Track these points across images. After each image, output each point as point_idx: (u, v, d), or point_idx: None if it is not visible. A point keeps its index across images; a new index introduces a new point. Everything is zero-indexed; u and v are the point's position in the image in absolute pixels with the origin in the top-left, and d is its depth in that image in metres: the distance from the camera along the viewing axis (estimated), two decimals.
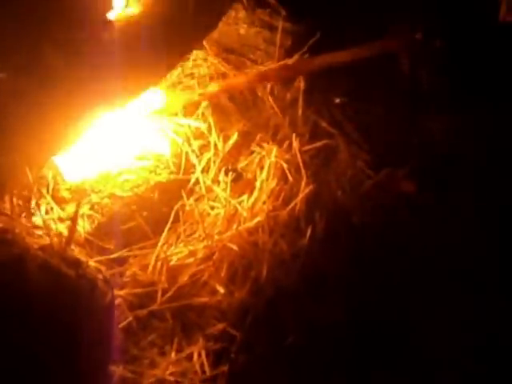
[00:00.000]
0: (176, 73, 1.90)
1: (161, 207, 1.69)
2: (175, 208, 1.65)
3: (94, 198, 1.63)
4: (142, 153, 1.74)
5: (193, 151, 1.76)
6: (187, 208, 1.67)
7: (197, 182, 1.73)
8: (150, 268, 1.56)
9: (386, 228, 1.84)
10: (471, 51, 2.12)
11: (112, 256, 1.54)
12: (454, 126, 2.23)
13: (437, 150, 2.15)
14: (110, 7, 1.37)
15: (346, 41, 2.03)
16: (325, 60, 1.90)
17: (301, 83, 1.98)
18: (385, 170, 1.94)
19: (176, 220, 1.65)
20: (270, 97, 1.93)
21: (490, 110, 2.07)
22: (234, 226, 1.64)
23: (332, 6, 1.96)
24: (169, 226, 1.61)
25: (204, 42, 1.94)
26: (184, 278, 1.57)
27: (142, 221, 1.63)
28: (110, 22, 1.37)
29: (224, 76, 1.93)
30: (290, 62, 1.86)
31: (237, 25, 1.94)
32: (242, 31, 1.95)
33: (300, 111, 1.94)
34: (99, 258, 1.50)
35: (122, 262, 1.57)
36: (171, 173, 1.73)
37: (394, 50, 1.97)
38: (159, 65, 1.51)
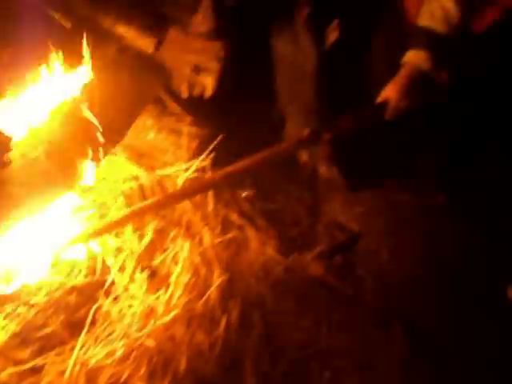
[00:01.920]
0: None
1: (78, 310, 1.65)
2: (92, 310, 1.59)
3: (9, 307, 1.59)
4: (58, 257, 1.74)
5: (108, 253, 1.78)
6: (104, 309, 1.63)
7: (113, 282, 1.69)
8: (67, 374, 1.51)
9: (298, 312, 1.91)
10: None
11: (27, 366, 1.49)
12: (353, 209, 2.39)
13: (341, 231, 2.29)
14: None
15: (250, 141, 2.17)
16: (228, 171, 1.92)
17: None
18: (294, 255, 2.05)
19: (94, 322, 1.59)
20: None
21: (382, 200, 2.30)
22: (152, 322, 1.60)
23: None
24: (86, 328, 1.54)
25: (116, 148, 2.03)
26: (103, 380, 1.53)
27: (59, 325, 1.59)
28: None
29: (136, 178, 2.00)
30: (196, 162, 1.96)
31: (146, 131, 2.04)
32: (151, 137, 2.05)
33: (210, 206, 2.02)
34: (12, 369, 1.45)
35: (38, 370, 1.53)
36: (87, 275, 1.73)
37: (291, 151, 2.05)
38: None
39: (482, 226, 2.19)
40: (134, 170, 1.91)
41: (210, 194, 1.98)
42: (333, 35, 2.07)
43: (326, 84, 2.10)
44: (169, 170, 1.93)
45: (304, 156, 2.33)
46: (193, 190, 1.83)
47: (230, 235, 1.87)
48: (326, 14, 2.08)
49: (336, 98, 2.13)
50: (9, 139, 1.43)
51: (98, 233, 1.66)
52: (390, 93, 1.82)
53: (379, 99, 1.84)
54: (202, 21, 1.74)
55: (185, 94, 1.91)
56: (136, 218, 1.74)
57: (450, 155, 2.42)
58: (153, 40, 1.58)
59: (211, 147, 1.90)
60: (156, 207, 1.75)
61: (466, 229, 2.20)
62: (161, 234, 1.81)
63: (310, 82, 2.11)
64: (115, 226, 1.71)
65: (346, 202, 2.31)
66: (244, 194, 2.10)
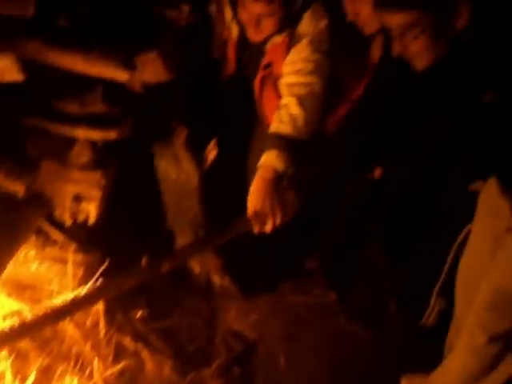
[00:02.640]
0: None
1: None
2: None
3: None
4: None
5: None
6: None
7: None
8: None
9: None
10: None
11: None
12: (249, 317, 2.40)
13: (238, 341, 2.28)
14: None
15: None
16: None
17: (100, 306, 2.00)
18: (192, 374, 1.93)
19: None
20: (70, 325, 1.93)
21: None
22: None
23: None
24: None
25: None
26: None
27: None
28: None
29: (19, 313, 1.89)
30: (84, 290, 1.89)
31: (28, 263, 1.93)
32: (34, 268, 1.95)
33: (102, 333, 1.90)
34: None
35: None
36: None
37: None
38: None
39: (371, 322, 2.28)
40: (15, 305, 1.81)
41: (102, 319, 1.92)
42: (212, 154, 2.16)
43: (209, 200, 2.17)
44: (55, 301, 1.84)
45: (197, 267, 2.33)
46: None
47: (122, 364, 1.78)
48: (204, 135, 2.19)
49: (221, 211, 2.22)
50: None
51: None
52: (252, 200, 1.84)
53: (248, 210, 1.85)
54: (79, 153, 1.76)
55: (68, 222, 1.88)
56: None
57: (333, 251, 2.55)
58: (23, 184, 1.57)
59: (98, 273, 1.86)
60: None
61: (356, 326, 2.28)
62: (46, 372, 1.70)
63: (194, 199, 2.17)
64: None
65: (241, 310, 2.31)
66: (138, 314, 2.05)
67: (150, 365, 1.89)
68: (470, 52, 1.41)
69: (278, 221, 1.82)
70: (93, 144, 1.74)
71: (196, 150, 2.14)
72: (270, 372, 2.06)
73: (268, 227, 1.81)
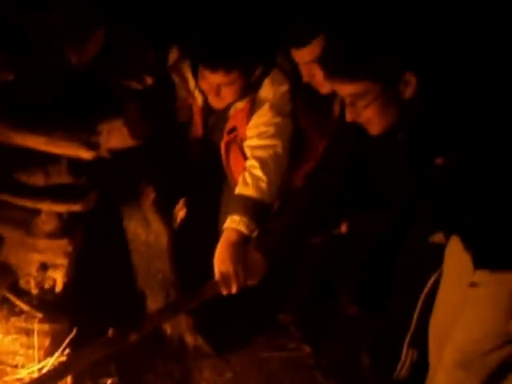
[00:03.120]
0: None
1: None
2: None
3: None
4: None
5: None
6: None
7: None
8: None
9: None
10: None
11: None
12: (223, 375, 2.34)
13: None
14: None
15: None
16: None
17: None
18: None
19: None
20: None
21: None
22: None
23: None
24: None
25: None
26: None
27: None
28: None
29: None
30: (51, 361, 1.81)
31: None
32: None
33: None
34: None
35: None
36: None
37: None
38: None
39: (346, 376, 2.25)
40: None
41: None
42: (181, 213, 2.15)
43: (180, 260, 2.15)
44: (20, 374, 1.77)
45: (168, 328, 2.27)
46: None
47: None
48: (173, 195, 2.18)
49: (192, 271, 2.19)
50: None
51: None
52: (218, 263, 1.81)
53: (215, 273, 1.81)
54: (44, 222, 1.72)
55: (34, 291, 1.83)
56: None
57: (306, 305, 2.53)
58: None
59: (66, 343, 1.79)
60: None
61: (332, 381, 2.24)
62: None
63: (165, 259, 2.14)
64: None
65: (215, 369, 2.25)
66: (108, 383, 1.98)
67: None
68: (420, 119, 1.44)
69: (244, 283, 1.79)
70: (58, 213, 1.71)
71: (165, 210, 2.13)
72: None
73: (234, 290, 1.78)
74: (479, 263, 1.56)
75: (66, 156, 1.57)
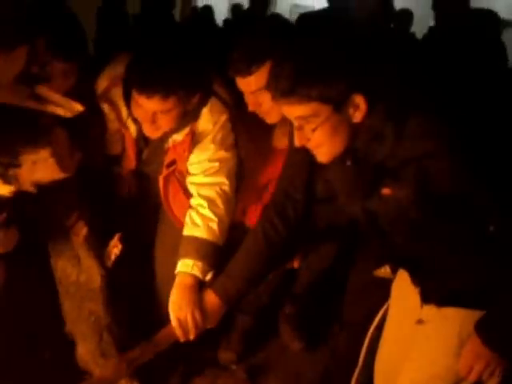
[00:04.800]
0: None
1: None
2: None
3: None
4: None
5: None
6: None
7: None
8: None
9: None
10: None
11: None
12: None
13: None
14: None
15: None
16: None
17: None
18: None
19: None
20: None
21: None
22: None
23: None
24: None
25: None
26: None
27: None
28: None
29: None
30: None
31: None
32: None
33: None
34: None
35: None
36: None
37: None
38: None
39: None
40: None
41: None
42: (115, 250, 2.01)
43: (113, 301, 2.00)
44: None
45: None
46: None
47: None
48: (105, 231, 2.04)
49: (126, 312, 2.04)
50: None
51: None
52: (174, 310, 1.74)
53: (171, 320, 1.74)
54: None
55: None
56: None
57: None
58: None
59: None
60: None
61: None
62: None
63: (98, 300, 1.97)
64: None
65: None
66: None
67: None
68: (368, 145, 1.40)
69: (203, 328, 1.73)
70: None
71: (97, 247, 1.98)
72: None
73: (192, 336, 1.72)
74: (427, 298, 1.52)
75: None
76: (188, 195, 1.97)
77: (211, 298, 1.73)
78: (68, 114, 1.46)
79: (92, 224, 1.95)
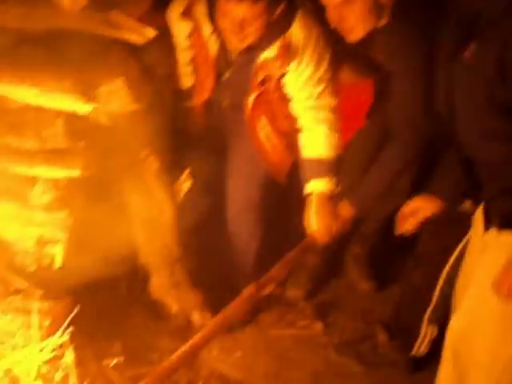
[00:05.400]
0: None
1: None
2: None
3: None
4: None
5: None
6: None
7: None
8: None
9: None
10: None
11: None
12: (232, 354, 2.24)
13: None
14: None
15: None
16: None
17: (70, 358, 1.82)
18: None
19: None
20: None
21: None
22: None
23: None
24: None
25: None
26: None
27: None
28: None
29: None
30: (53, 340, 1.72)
31: None
32: None
33: None
34: None
35: None
36: None
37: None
38: None
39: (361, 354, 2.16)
40: None
41: (73, 371, 1.74)
42: (186, 184, 2.03)
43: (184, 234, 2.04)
44: (19, 355, 1.67)
45: (174, 306, 2.17)
46: None
47: None
48: (175, 165, 2.06)
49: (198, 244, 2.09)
50: None
51: None
52: (313, 222, 1.98)
53: (310, 230, 2.00)
54: (41, 192, 1.60)
55: (31, 268, 1.72)
56: None
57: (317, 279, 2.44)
58: None
59: (67, 321, 1.69)
60: None
61: (346, 359, 2.16)
62: None
63: (169, 233, 2.02)
64: None
65: (224, 348, 2.17)
66: (113, 362, 1.88)
67: None
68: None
69: (336, 234, 2.02)
70: (55, 182, 1.58)
71: (169, 181, 2.01)
72: None
73: (328, 240, 2.03)
74: (489, 222, 1.48)
75: (60, 113, 1.42)
76: (276, 115, 2.02)
77: (346, 207, 1.99)
78: (141, 40, 1.45)
79: (163, 158, 1.98)
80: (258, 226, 2.18)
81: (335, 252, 2.45)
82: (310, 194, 2.01)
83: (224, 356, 2.13)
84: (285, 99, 1.99)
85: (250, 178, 2.11)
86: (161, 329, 2.15)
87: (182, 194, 2.08)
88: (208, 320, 2.18)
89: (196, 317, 2.16)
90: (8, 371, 1.60)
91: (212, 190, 2.13)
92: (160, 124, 1.92)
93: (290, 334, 2.27)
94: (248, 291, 1.89)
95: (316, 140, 1.99)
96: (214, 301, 2.12)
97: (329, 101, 1.97)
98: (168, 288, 2.04)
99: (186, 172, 2.06)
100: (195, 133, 2.07)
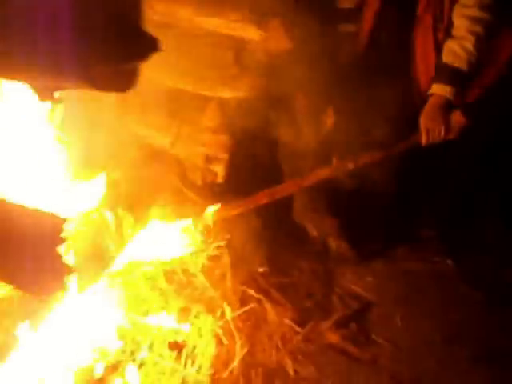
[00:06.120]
0: None
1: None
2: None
3: None
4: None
5: (137, 330, 1.85)
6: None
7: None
8: None
9: (318, 378, 1.93)
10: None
11: None
12: (365, 279, 2.46)
13: (355, 302, 2.35)
14: None
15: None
16: None
17: (227, 259, 2.17)
18: (310, 324, 2.06)
19: None
20: (201, 274, 2.13)
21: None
22: None
23: None
24: None
25: None
26: None
27: None
28: None
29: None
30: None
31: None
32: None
33: (229, 283, 2.10)
34: None
35: None
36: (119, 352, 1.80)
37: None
38: None
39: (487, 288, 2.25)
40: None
41: (229, 271, 2.08)
42: (330, 120, 2.24)
43: None
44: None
45: (314, 231, 2.44)
46: None
47: (248, 308, 1.95)
48: (322, 102, 2.27)
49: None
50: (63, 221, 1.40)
51: None
52: (425, 120, 2.13)
53: (421, 127, 2.14)
54: (210, 117, 1.92)
55: (199, 182, 2.06)
56: None
57: (449, 220, 2.53)
58: (169, 139, 1.73)
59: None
60: None
61: (476, 293, 2.24)
62: (184, 311, 1.90)
63: (310, 161, 2.27)
64: None
65: (357, 274, 2.36)
66: (260, 270, 2.19)
67: (271, 314, 2.03)
68: None
69: (443, 139, 2.15)
70: (223, 108, 1.88)
71: (314, 115, 2.24)
72: (385, 330, 2.10)
73: (434, 141, 2.15)
74: None
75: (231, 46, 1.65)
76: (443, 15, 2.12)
77: (458, 115, 2.13)
78: None
79: (310, 95, 2.21)
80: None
81: (468, 194, 2.51)
82: (431, 95, 2.15)
83: (357, 280, 2.32)
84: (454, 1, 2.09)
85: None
86: (300, 251, 2.38)
87: (325, 130, 2.30)
88: (344, 247, 2.43)
89: (332, 243, 2.40)
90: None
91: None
92: (311, 64, 2.15)
93: (422, 268, 2.40)
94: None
95: (459, 50, 2.07)
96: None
97: (488, 17, 2.04)
98: (307, 210, 2.28)
99: (330, 109, 2.26)
100: (344, 69, 2.24)
